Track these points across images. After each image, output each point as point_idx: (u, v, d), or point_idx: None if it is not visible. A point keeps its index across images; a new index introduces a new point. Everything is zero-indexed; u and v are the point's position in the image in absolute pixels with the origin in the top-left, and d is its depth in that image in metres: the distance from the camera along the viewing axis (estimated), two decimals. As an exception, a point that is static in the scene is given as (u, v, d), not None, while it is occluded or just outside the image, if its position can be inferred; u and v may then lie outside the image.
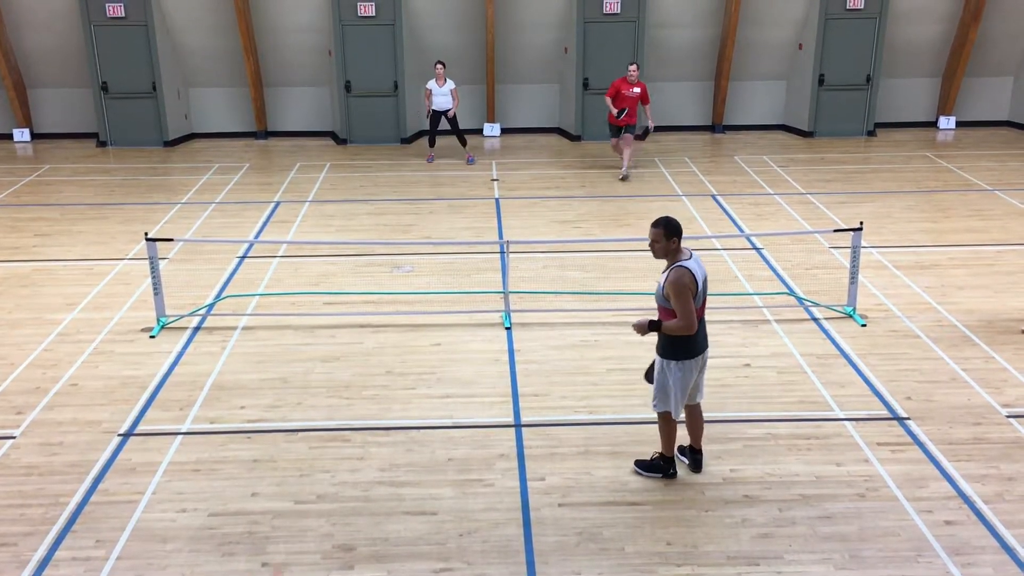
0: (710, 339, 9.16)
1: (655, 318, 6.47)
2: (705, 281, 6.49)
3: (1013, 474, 6.89)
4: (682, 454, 7.08)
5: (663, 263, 6.55)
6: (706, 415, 7.76)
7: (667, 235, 6.33)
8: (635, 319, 6.58)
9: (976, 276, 10.92)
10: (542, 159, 17.47)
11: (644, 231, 12.42)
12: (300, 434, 7.52)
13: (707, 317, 9.61)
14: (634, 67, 15.24)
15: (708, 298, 6.71)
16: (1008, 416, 7.72)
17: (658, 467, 6.91)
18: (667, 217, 6.42)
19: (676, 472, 6.93)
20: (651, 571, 5.88)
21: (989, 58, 19.22)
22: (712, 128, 19.75)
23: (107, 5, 17.67)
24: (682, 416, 6.82)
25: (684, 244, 6.46)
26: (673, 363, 6.53)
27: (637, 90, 15.28)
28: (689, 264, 6.33)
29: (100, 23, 17.84)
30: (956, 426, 7.57)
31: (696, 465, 6.97)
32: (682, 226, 6.42)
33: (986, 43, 18.89)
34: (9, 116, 19.11)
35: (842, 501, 6.58)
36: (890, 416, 7.75)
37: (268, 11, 18.25)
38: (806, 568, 5.89)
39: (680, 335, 6.38)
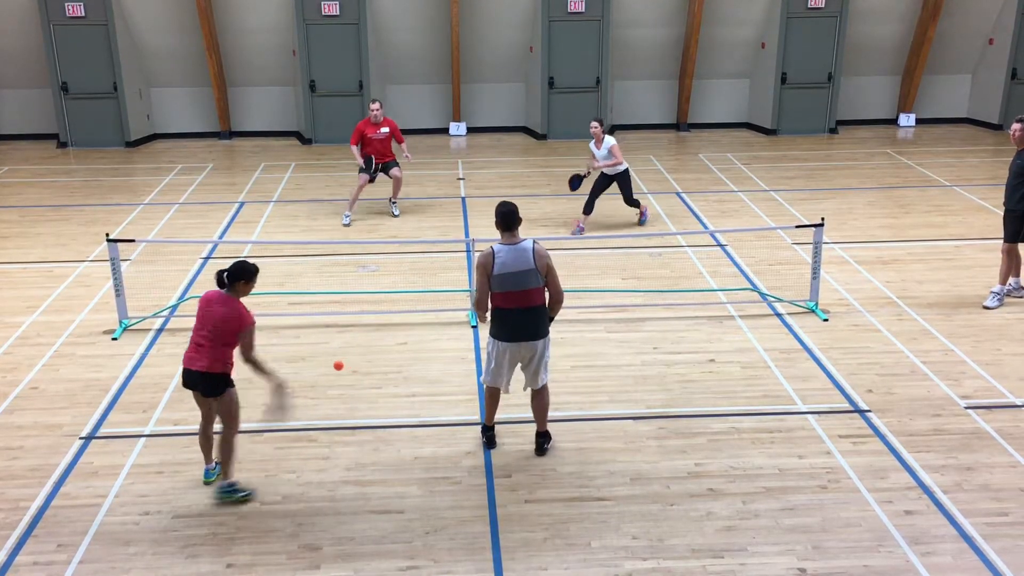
0: (675, 335, 9.32)
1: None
2: (520, 273, 6.67)
3: (971, 464, 7.01)
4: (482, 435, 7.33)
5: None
6: (671, 410, 7.86)
7: (495, 220, 6.85)
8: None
9: (935, 271, 11.09)
10: (508, 158, 17.50)
11: (609, 230, 12.59)
12: (265, 434, 7.47)
13: (673, 314, 9.79)
14: (376, 105, 13.03)
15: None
16: (966, 407, 7.85)
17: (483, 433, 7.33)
18: (503, 204, 6.88)
19: (492, 443, 7.25)
20: (617, 565, 5.91)
21: (948, 56, 19.53)
22: (677, 126, 19.89)
23: (67, 4, 17.43)
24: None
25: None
26: (489, 339, 6.95)
27: (385, 130, 13.15)
28: (499, 248, 6.74)
29: (59, 22, 17.59)
30: (916, 418, 7.69)
31: (538, 449, 7.19)
32: (503, 216, 6.78)
33: (945, 41, 19.19)
34: (-34, 117, 18.83)
35: (805, 493, 6.66)
36: (851, 409, 7.85)
37: (230, 10, 18.10)
38: (769, 560, 5.96)
39: (474, 306, 6.99)
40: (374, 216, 13.58)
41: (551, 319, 6.98)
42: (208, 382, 6.48)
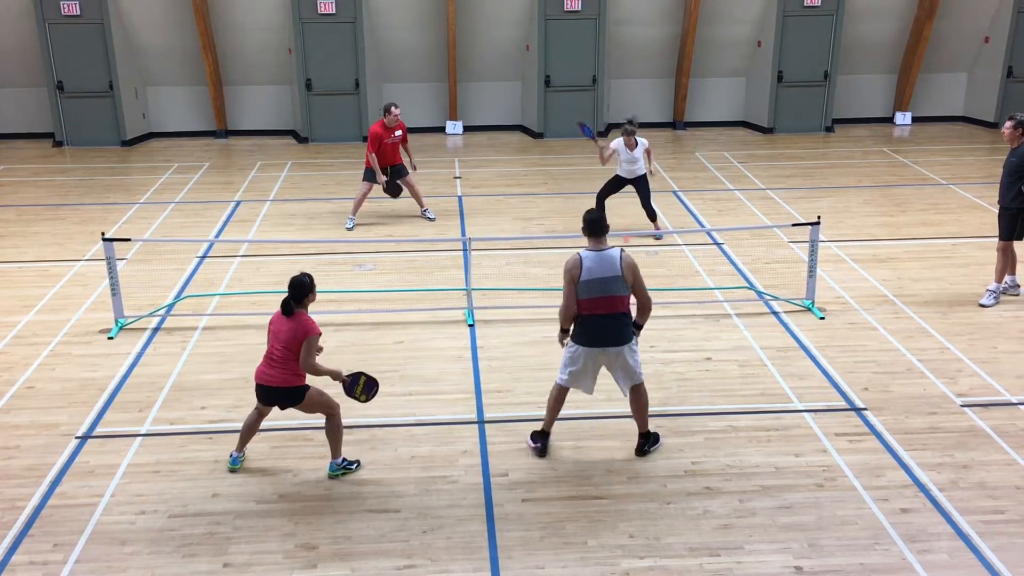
0: (672, 334, 9.32)
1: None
2: (606, 278, 6.64)
3: (967, 462, 7.02)
4: (535, 440, 7.23)
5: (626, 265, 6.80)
6: (668, 408, 7.86)
7: (582, 226, 6.90)
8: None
9: (931, 269, 11.11)
10: (505, 156, 17.49)
11: (606, 227, 12.56)
12: (262, 434, 7.46)
13: (670, 313, 9.80)
14: (398, 110, 12.72)
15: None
16: (962, 405, 7.86)
17: (535, 439, 7.25)
18: (589, 210, 6.96)
19: (544, 451, 7.16)
20: (614, 564, 5.92)
21: (944, 54, 19.55)
22: (673, 125, 19.89)
23: (62, 3, 17.39)
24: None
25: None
26: (571, 344, 6.89)
27: (399, 133, 12.82)
28: (585, 254, 6.70)
29: (55, 21, 17.56)
30: (912, 416, 7.70)
31: (638, 448, 7.17)
32: (594, 223, 6.79)
33: (941, 40, 19.20)
34: (-38, 116, 18.79)
35: (801, 491, 6.67)
36: (848, 407, 7.86)
37: (227, 8, 18.07)
38: (766, 558, 5.96)
39: (560, 316, 6.83)
40: (371, 215, 13.55)
41: (639, 327, 6.94)
42: (286, 396, 6.66)
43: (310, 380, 6.76)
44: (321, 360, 6.76)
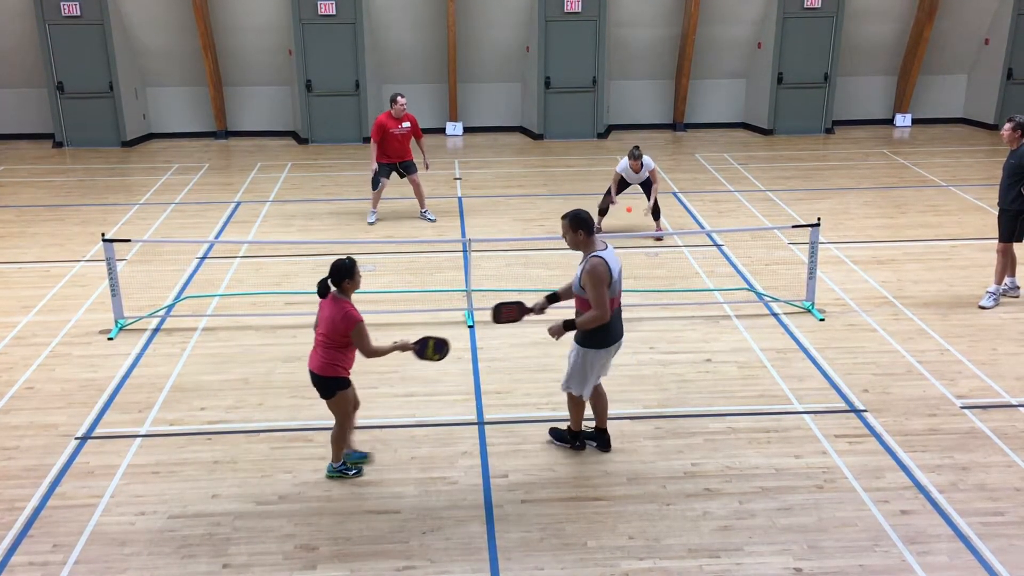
0: (672, 335, 9.33)
1: (569, 318, 6.72)
2: (619, 273, 6.66)
3: (967, 464, 7.02)
4: (590, 438, 7.28)
5: (620, 258, 6.72)
6: (668, 409, 7.86)
7: (572, 227, 6.57)
8: (551, 324, 6.81)
9: (931, 270, 11.11)
10: (505, 158, 17.49)
11: (605, 229, 12.58)
12: (262, 435, 7.47)
13: (670, 314, 9.81)
14: (404, 100, 12.61)
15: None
16: (962, 407, 7.86)
17: (566, 438, 7.27)
18: (575, 210, 6.67)
19: (584, 446, 7.22)
20: (613, 565, 5.91)
21: (943, 56, 19.56)
22: (673, 126, 19.90)
23: (62, 4, 17.40)
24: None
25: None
26: (590, 351, 6.75)
27: (407, 125, 12.73)
28: (604, 255, 6.55)
29: (55, 22, 17.56)
30: (912, 417, 7.69)
31: (605, 445, 7.20)
32: (591, 220, 6.63)
33: (940, 41, 19.21)
34: (-38, 117, 18.79)
35: (801, 493, 6.66)
36: (848, 408, 7.86)
37: (227, 9, 18.08)
38: (766, 559, 5.96)
39: (595, 325, 6.59)
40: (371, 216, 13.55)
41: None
42: (319, 384, 6.62)
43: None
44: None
